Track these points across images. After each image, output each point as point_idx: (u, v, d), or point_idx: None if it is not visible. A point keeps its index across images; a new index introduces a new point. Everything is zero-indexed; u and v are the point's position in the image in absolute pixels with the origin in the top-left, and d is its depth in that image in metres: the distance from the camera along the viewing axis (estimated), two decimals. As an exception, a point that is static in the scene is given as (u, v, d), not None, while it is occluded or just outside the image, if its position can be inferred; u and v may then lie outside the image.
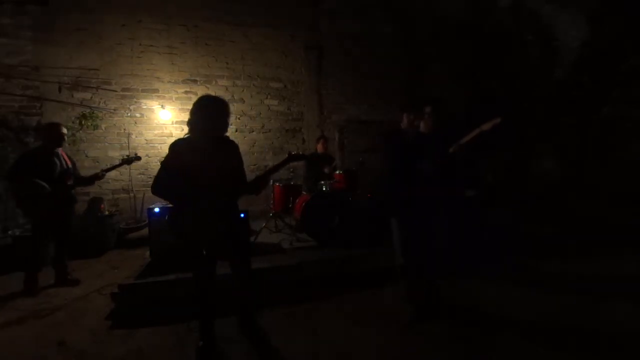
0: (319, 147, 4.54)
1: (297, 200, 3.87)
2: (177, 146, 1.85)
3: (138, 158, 3.34)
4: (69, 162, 3.06)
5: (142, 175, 5.06)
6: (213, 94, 5.32)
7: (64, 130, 3.05)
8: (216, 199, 1.85)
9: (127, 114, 4.98)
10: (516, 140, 5.54)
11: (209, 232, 1.86)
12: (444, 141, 2.32)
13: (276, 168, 2.16)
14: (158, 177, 1.83)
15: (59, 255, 3.09)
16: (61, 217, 3.00)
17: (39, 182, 2.77)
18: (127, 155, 3.35)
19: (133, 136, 5.00)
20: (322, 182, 3.87)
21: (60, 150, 3.01)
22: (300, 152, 2.29)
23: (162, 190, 1.84)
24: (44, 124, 3.18)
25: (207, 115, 1.87)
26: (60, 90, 4.65)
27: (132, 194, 4.99)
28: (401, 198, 2.21)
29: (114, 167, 3.27)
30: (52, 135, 2.96)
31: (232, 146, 2.02)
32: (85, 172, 3.47)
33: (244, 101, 5.54)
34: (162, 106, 5.10)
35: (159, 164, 5.10)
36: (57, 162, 2.94)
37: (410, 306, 2.32)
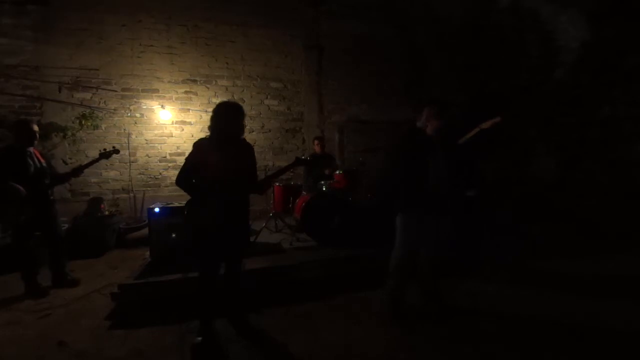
0: (316, 148, 4.59)
1: (297, 200, 3.87)
2: (198, 145, 2.06)
3: (116, 151, 3.17)
4: (42, 161, 2.91)
5: (142, 175, 5.06)
6: (213, 94, 5.41)
7: (35, 128, 2.86)
8: (226, 194, 1.98)
9: (127, 114, 4.98)
10: (516, 140, 5.54)
11: (218, 224, 1.99)
12: (448, 141, 2.31)
13: (283, 171, 2.30)
14: (182, 171, 2.06)
15: (53, 256, 3.02)
16: (43, 218, 2.88)
17: (14, 185, 2.62)
18: (104, 149, 3.10)
19: (133, 136, 5.01)
20: (322, 182, 3.87)
21: (32, 149, 2.85)
22: (303, 155, 2.39)
23: (183, 182, 2.06)
24: (13, 122, 2.98)
25: (223, 120, 2.04)
26: (60, 90, 4.65)
27: (132, 194, 4.99)
28: (413, 196, 2.20)
29: (92, 163, 3.06)
30: (23, 133, 2.78)
31: (247, 148, 2.18)
32: (85, 172, 3.42)
33: (244, 101, 5.53)
34: (162, 106, 5.10)
35: (159, 163, 5.18)
36: (31, 161, 2.78)
37: (396, 304, 2.34)
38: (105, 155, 3.07)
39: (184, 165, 2.06)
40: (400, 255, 2.28)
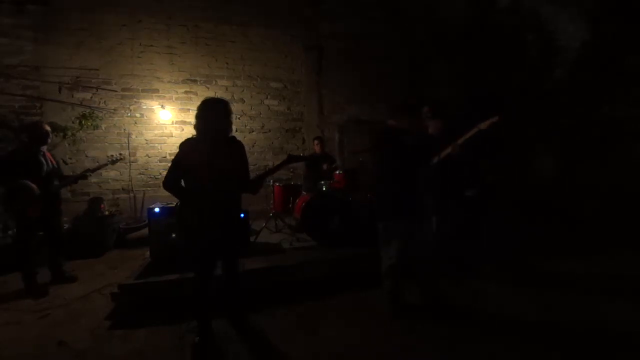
0: (316, 148, 4.60)
1: (297, 201, 3.87)
2: (185, 145, 1.98)
3: (122, 158, 3.55)
4: (53, 162, 3.03)
5: (142, 175, 5.06)
6: (213, 94, 5.41)
7: (48, 128, 2.98)
8: (217, 194, 1.94)
9: (127, 114, 4.98)
10: (516, 140, 5.54)
11: (211, 225, 1.95)
12: (447, 141, 2.31)
13: (276, 169, 2.23)
14: (168, 173, 1.98)
15: (52, 255, 3.07)
16: (49, 216, 2.95)
17: (28, 184, 2.71)
18: (112, 155, 3.49)
19: (133, 136, 5.01)
20: (322, 182, 3.87)
21: (44, 150, 2.97)
22: (301, 154, 2.35)
23: (170, 185, 1.98)
24: (27, 123, 3.16)
25: (207, 117, 1.96)
26: (60, 90, 4.65)
27: (132, 194, 4.99)
28: (404, 201, 2.19)
29: (99, 168, 3.32)
30: (36, 134, 2.89)
31: (236, 146, 2.09)
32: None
33: (244, 101, 5.54)
34: (162, 106, 5.10)
35: (159, 163, 5.17)
36: (44, 161, 2.89)
37: (395, 302, 2.35)
38: (112, 161, 3.38)
39: (170, 167, 1.97)
40: (391, 257, 2.27)
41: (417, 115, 2.27)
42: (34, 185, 2.75)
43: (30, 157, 2.83)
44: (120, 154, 3.52)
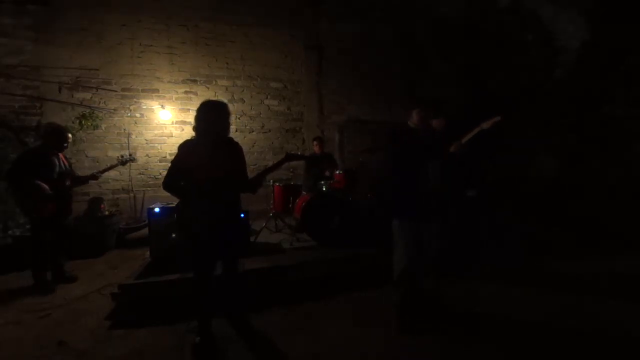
0: (315, 148, 4.59)
1: (297, 200, 3.87)
2: (183, 147, 2.00)
3: (133, 159, 3.54)
4: (66, 163, 3.10)
5: (142, 175, 5.06)
6: (213, 94, 5.40)
7: (70, 137, 3.10)
8: (216, 195, 1.95)
9: (127, 114, 4.98)
10: (516, 140, 5.54)
11: (211, 225, 1.96)
12: (449, 141, 2.31)
13: (273, 168, 2.23)
14: (168, 174, 2.00)
15: (55, 254, 3.09)
16: (59, 216, 3.01)
17: (40, 184, 2.78)
18: (122, 156, 3.50)
19: (133, 136, 5.00)
20: (322, 182, 3.87)
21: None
22: (299, 152, 2.34)
23: (170, 185, 2.00)
24: (50, 126, 3.18)
25: (207, 119, 1.99)
26: (60, 90, 4.65)
27: (132, 194, 4.99)
28: (410, 199, 2.18)
29: (110, 168, 3.38)
30: (57, 139, 2.98)
31: (234, 147, 2.12)
32: (85, 172, 3.49)
33: (244, 101, 5.54)
34: (162, 106, 5.10)
35: (159, 163, 5.17)
36: (57, 162, 2.96)
37: (403, 316, 2.24)
38: (123, 162, 3.42)
39: (170, 168, 2.00)
40: (404, 262, 2.24)
41: (432, 110, 2.27)
42: (45, 186, 2.81)
43: (44, 158, 2.90)
44: (131, 155, 3.53)
